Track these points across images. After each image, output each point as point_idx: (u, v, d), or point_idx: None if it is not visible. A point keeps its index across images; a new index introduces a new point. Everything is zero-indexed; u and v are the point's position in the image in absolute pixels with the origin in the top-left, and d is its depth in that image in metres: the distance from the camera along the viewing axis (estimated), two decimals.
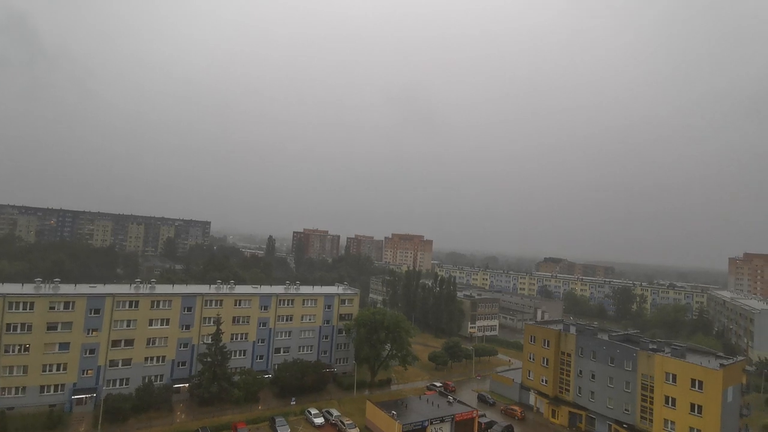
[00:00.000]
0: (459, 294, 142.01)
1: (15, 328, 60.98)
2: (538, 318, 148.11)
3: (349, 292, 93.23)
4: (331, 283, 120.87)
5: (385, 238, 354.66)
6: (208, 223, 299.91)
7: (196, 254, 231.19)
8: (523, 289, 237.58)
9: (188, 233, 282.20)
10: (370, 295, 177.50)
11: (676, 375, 58.82)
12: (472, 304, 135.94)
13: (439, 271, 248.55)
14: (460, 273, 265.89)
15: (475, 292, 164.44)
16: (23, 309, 61.68)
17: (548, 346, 76.84)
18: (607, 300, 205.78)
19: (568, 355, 73.90)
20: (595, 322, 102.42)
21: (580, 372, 71.49)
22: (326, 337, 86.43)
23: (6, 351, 60.19)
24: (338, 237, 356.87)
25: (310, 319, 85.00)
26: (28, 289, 66.08)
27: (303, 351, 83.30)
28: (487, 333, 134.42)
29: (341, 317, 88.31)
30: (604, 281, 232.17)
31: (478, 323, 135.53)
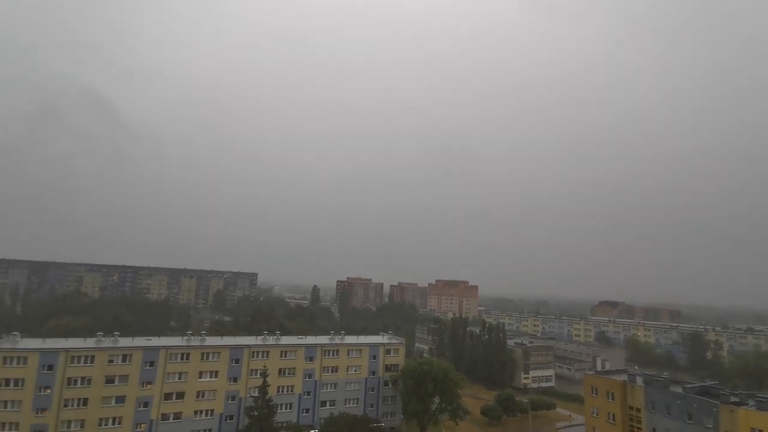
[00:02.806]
0: (509, 342, 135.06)
1: (75, 382, 63.76)
2: (598, 367, 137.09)
3: (394, 341, 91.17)
4: (376, 333, 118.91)
5: (429, 284, 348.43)
6: (255, 274, 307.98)
7: (243, 306, 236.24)
8: (578, 335, 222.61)
9: (236, 285, 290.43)
10: (416, 345, 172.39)
11: (762, 431, 52.00)
12: (524, 352, 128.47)
13: (487, 317, 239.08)
14: (508, 319, 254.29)
15: (526, 339, 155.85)
16: (84, 363, 64.72)
17: (613, 399, 70.37)
18: (675, 347, 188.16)
19: (638, 410, 67.12)
20: (665, 373, 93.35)
21: (653, 430, 64.46)
22: (372, 390, 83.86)
23: (65, 405, 62.64)
24: (381, 285, 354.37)
25: (355, 371, 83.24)
26: (89, 343, 69.55)
27: (349, 404, 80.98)
28: (543, 384, 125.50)
29: (387, 368, 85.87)
30: (670, 326, 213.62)
31: (532, 373, 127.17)
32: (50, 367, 62.65)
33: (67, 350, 64.14)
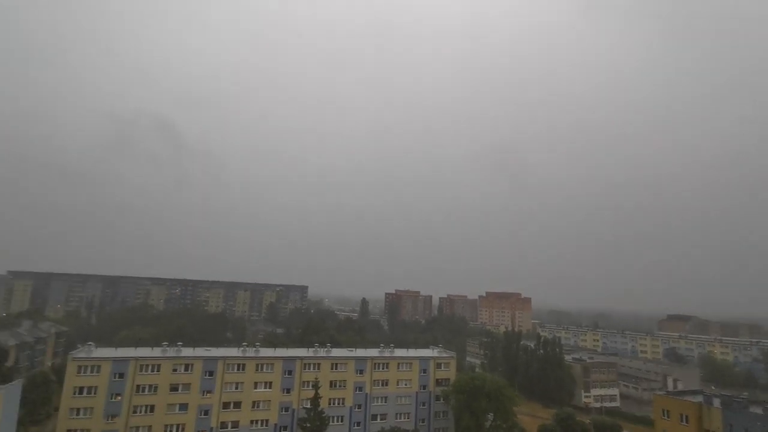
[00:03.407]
0: (566, 357, 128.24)
1: (144, 389, 67.77)
2: (669, 387, 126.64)
3: (444, 355, 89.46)
4: (426, 346, 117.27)
5: (479, 297, 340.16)
6: (306, 287, 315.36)
7: (295, 318, 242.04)
8: (645, 351, 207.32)
9: (288, 298, 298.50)
10: (467, 359, 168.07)
11: None
12: (583, 369, 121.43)
13: (542, 331, 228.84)
14: (565, 333, 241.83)
15: (585, 354, 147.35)
16: (151, 371, 68.74)
17: (687, 422, 64.67)
18: (756, 365, 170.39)
19: None
20: (745, 393, 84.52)
21: None
22: (423, 404, 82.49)
23: (134, 411, 66.63)
24: (430, 297, 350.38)
25: (405, 384, 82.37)
26: (156, 352, 73.84)
27: (400, 419, 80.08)
28: (606, 404, 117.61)
29: (438, 382, 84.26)
30: (750, 342, 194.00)
31: (594, 392, 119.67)
32: (121, 375, 67.07)
33: (136, 359, 68.50)
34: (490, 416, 75.94)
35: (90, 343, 75.48)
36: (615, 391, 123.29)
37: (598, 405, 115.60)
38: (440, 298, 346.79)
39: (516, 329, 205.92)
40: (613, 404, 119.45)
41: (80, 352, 69.68)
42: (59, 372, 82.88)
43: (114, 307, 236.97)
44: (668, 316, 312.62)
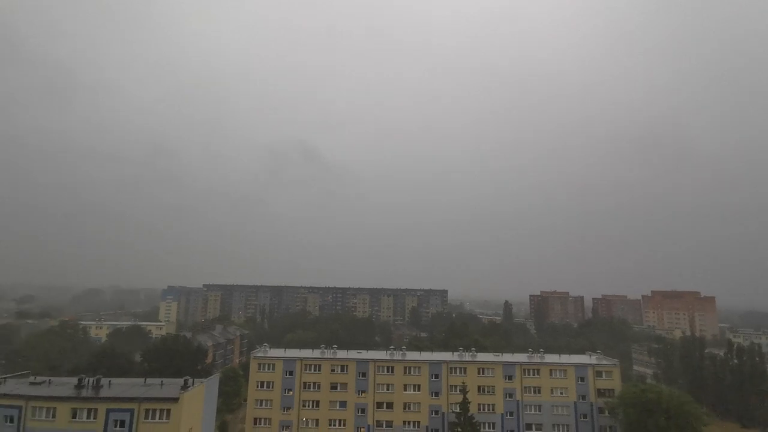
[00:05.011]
0: None
1: (309, 386, 75.98)
2: None
3: (605, 362, 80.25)
4: (580, 352, 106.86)
5: (643, 296, 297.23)
6: (446, 291, 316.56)
7: (437, 322, 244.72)
8: None
9: (429, 302, 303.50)
10: (634, 367, 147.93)
11: None
12: None
13: (734, 337, 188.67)
14: (766, 339, 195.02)
15: None
16: (313, 370, 76.78)
17: None
18: None
19: None
20: None
21: None
22: (584, 416, 75.03)
23: (303, 406, 75.05)
24: (581, 298, 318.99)
25: (561, 393, 76.16)
26: (316, 353, 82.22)
27: (557, 430, 74.22)
28: None
29: (599, 393, 75.84)
30: None
31: None
32: (290, 373, 76.41)
33: (301, 359, 77.40)
34: None
35: (265, 344, 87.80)
36: None
37: None
38: (593, 299, 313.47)
39: (696, 334, 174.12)
40: None
41: (258, 352, 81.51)
42: (244, 368, 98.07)
43: (280, 313, 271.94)
44: None
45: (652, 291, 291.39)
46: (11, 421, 48.20)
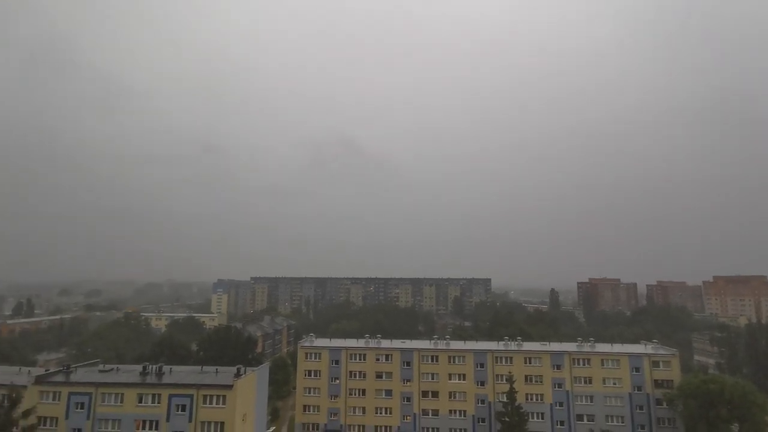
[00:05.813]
0: None
1: (354, 375, 77.41)
2: None
3: (662, 352, 76.31)
4: (634, 341, 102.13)
5: (704, 282, 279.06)
6: (489, 280, 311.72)
7: (481, 311, 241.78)
8: None
9: (472, 291, 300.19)
10: (695, 357, 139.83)
11: None
12: None
13: None
14: None
15: None
16: (358, 360, 78.12)
17: None
18: None
19: None
20: None
21: None
22: (640, 408, 71.89)
23: (350, 393, 76.66)
24: (634, 285, 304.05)
25: (614, 384, 73.29)
26: (360, 343, 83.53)
27: (612, 422, 71.62)
28: None
29: (657, 384, 72.31)
30: None
31: None
32: (336, 362, 78.15)
33: (346, 348, 78.96)
34: (735, 427, 61.58)
35: (312, 334, 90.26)
36: None
37: None
38: (647, 285, 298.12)
39: (763, 321, 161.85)
40: None
41: (305, 342, 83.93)
42: (293, 357, 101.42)
43: (324, 304, 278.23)
44: None
45: (713, 276, 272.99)
46: (81, 407, 52.61)
